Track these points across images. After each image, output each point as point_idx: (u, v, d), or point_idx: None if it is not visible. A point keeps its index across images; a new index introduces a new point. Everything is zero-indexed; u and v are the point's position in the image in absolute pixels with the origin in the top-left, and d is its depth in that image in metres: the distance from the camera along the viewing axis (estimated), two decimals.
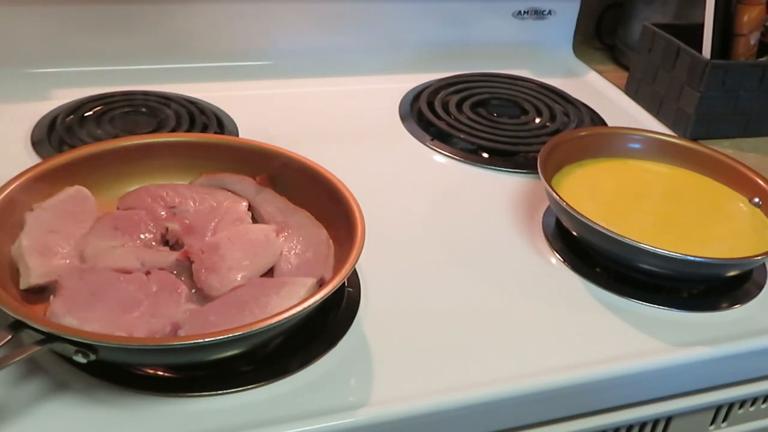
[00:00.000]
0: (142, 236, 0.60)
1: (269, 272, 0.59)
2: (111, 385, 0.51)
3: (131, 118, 0.82)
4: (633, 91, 1.01)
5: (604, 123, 0.94)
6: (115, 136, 0.77)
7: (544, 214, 0.74)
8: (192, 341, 0.47)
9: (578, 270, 0.67)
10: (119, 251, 0.58)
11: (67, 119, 0.80)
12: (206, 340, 0.47)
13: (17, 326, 0.48)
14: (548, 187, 0.67)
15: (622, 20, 1.15)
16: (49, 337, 0.47)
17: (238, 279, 0.56)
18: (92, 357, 0.47)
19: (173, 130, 0.80)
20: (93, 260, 0.57)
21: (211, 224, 0.61)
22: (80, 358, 0.47)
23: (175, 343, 0.48)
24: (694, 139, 0.88)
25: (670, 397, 0.63)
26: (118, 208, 0.63)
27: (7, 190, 0.58)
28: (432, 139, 0.86)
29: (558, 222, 0.72)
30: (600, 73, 1.09)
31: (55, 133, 0.78)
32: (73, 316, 0.50)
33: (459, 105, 0.92)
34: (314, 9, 0.98)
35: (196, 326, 0.51)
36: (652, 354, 0.59)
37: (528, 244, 0.70)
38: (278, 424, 0.50)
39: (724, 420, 0.69)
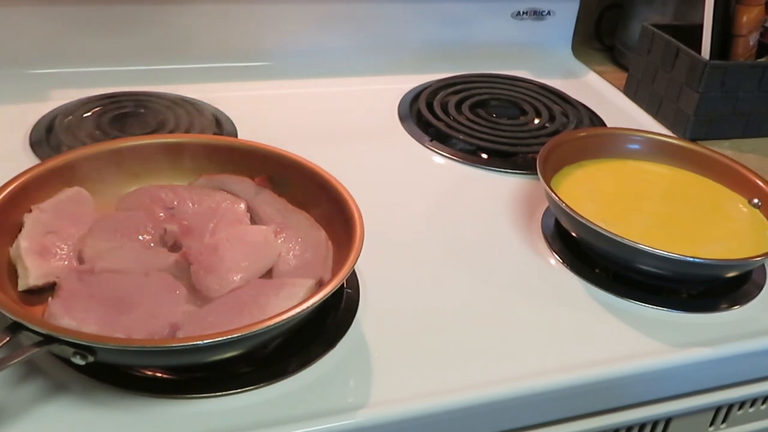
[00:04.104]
0: (140, 237, 0.60)
1: (268, 273, 0.59)
2: (110, 386, 0.51)
3: (130, 119, 0.82)
4: (632, 91, 1.01)
5: (603, 124, 0.94)
6: (114, 137, 0.77)
7: (543, 215, 0.74)
8: (190, 343, 0.47)
9: (577, 271, 0.67)
10: (118, 252, 0.58)
11: (66, 120, 0.80)
12: (205, 341, 0.46)
13: (15, 328, 0.47)
14: (547, 188, 0.67)
15: (622, 21, 1.15)
16: (47, 339, 0.47)
17: (237, 280, 0.56)
18: (90, 359, 0.47)
19: (172, 131, 0.79)
20: (91, 261, 0.57)
21: (209, 225, 0.61)
22: (78, 360, 0.47)
23: (174, 345, 0.48)
24: (694, 140, 0.88)
25: (670, 398, 0.63)
26: (116, 210, 0.63)
27: (6, 191, 0.58)
28: (431, 140, 0.86)
29: (557, 223, 0.72)
30: (599, 73, 1.08)
31: (54, 134, 0.78)
32: (71, 317, 0.50)
33: (458, 106, 0.92)
34: (313, 9, 0.98)
35: (194, 328, 0.51)
36: (651, 355, 0.59)
37: (527, 245, 0.70)
38: (277, 425, 0.50)
39: (723, 421, 0.68)
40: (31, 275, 0.54)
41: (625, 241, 0.61)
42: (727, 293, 0.67)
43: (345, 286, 0.61)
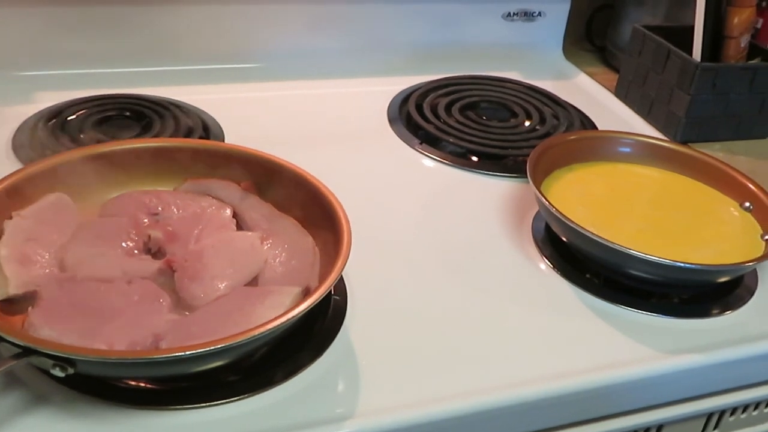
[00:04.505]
0: (124, 244, 0.59)
1: (254, 281, 0.58)
2: (92, 398, 0.50)
3: (115, 122, 0.81)
4: (623, 93, 1.00)
5: (594, 126, 0.93)
6: (98, 141, 0.75)
7: (533, 219, 0.73)
8: (172, 354, 0.46)
9: (568, 276, 0.67)
10: (100, 260, 0.57)
11: (50, 123, 0.79)
12: (187, 353, 0.45)
13: None
14: (537, 192, 0.67)
15: (613, 22, 1.14)
16: (26, 351, 0.45)
17: (222, 288, 0.55)
18: (70, 371, 0.46)
19: (157, 135, 0.78)
20: (73, 269, 0.56)
21: (194, 231, 0.60)
22: (58, 372, 0.46)
23: (155, 357, 0.47)
24: (685, 142, 0.88)
25: (661, 405, 0.62)
26: (100, 215, 0.62)
27: None
28: (421, 143, 0.85)
29: (548, 227, 0.71)
30: (590, 75, 1.08)
31: (37, 137, 0.77)
32: (51, 327, 0.49)
33: (448, 108, 0.91)
34: (302, 11, 0.97)
35: (178, 337, 0.50)
36: (642, 362, 0.59)
37: (517, 250, 0.70)
38: None
39: (715, 427, 0.68)
40: (11, 284, 0.53)
41: (616, 246, 0.61)
42: (719, 298, 0.66)
43: (332, 292, 0.60)
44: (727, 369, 0.62)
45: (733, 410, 0.68)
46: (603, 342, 0.60)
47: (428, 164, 0.83)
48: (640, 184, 0.76)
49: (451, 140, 0.85)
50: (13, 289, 0.53)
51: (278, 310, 0.52)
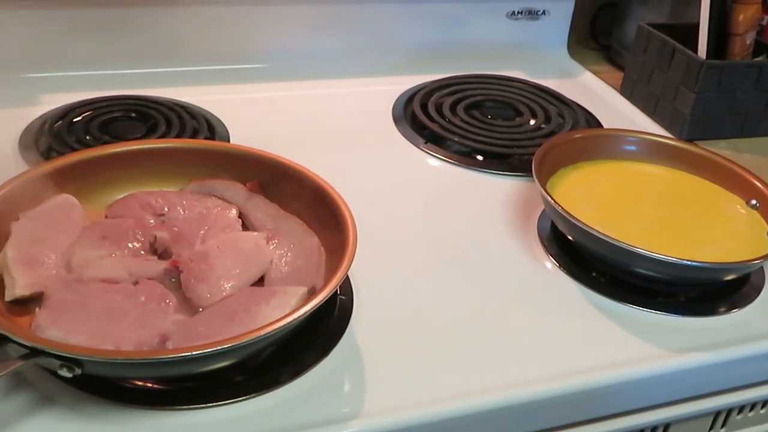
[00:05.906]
0: (130, 245, 0.59)
1: (260, 281, 0.58)
2: (98, 398, 0.50)
3: (120, 124, 0.81)
4: (628, 91, 1.00)
5: (599, 124, 0.93)
6: (104, 142, 0.76)
7: (539, 218, 0.73)
8: (178, 355, 0.46)
9: (574, 275, 0.66)
10: (107, 261, 0.57)
11: (56, 125, 0.79)
12: (193, 353, 0.46)
13: (1, 340, 0.47)
14: (543, 191, 0.67)
15: (617, 20, 1.14)
16: (33, 352, 0.46)
17: (228, 288, 0.55)
18: (78, 371, 0.46)
19: (163, 136, 0.79)
20: (80, 270, 0.56)
21: (200, 232, 0.60)
22: (65, 373, 0.46)
23: (162, 357, 0.47)
24: (690, 140, 0.88)
25: (668, 403, 0.62)
26: (106, 217, 0.62)
27: None
28: (425, 142, 0.85)
29: (553, 226, 0.71)
30: (595, 73, 1.08)
31: (43, 139, 0.77)
32: (58, 328, 0.49)
33: (453, 107, 0.91)
34: (307, 11, 0.97)
35: (184, 337, 0.50)
36: (649, 360, 0.59)
37: (523, 249, 0.69)
38: None
39: (722, 425, 0.68)
40: (18, 285, 0.53)
41: (622, 245, 0.60)
42: (726, 296, 0.66)
43: (338, 292, 0.60)
44: (734, 367, 0.61)
45: (741, 409, 0.67)
46: (609, 341, 0.60)
47: (433, 163, 0.83)
48: (646, 182, 0.75)
49: (456, 139, 0.85)
50: (20, 290, 0.53)
51: (284, 310, 0.52)
